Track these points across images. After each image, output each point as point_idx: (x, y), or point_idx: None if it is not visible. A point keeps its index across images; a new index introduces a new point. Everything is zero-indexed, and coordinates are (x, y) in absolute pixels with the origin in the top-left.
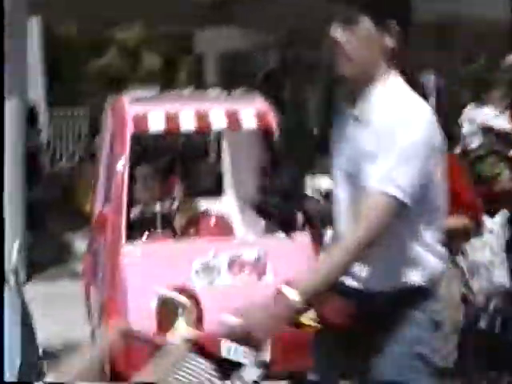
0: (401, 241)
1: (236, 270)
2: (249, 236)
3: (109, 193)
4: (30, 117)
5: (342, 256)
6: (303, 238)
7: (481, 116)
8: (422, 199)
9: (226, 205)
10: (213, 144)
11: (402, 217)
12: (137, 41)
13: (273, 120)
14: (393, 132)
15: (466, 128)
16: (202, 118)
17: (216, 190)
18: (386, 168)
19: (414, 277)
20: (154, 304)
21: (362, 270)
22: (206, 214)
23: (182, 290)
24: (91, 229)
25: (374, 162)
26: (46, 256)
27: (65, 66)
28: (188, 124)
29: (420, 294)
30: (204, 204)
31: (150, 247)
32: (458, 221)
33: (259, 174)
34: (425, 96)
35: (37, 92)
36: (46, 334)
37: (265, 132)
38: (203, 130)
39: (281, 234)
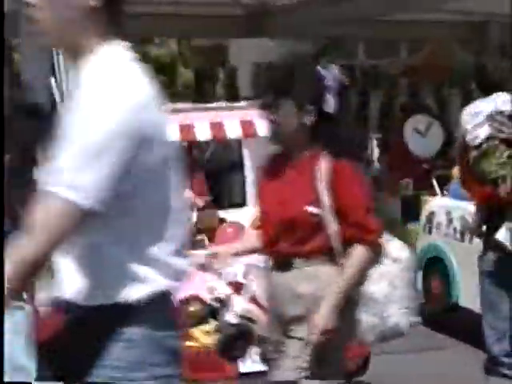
0: (105, 253)
1: (253, 278)
2: None
3: None
4: None
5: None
6: None
7: (490, 104)
8: (129, 205)
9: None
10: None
11: (92, 225)
12: (171, 56)
13: None
14: (82, 119)
15: (469, 123)
16: (216, 127)
17: (239, 201)
18: (65, 165)
19: (129, 293)
20: None
21: (73, 282)
22: (223, 223)
23: (195, 299)
24: None
25: (57, 157)
26: None
27: None
28: (203, 134)
29: (135, 312)
30: (224, 214)
31: None
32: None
33: None
34: (323, 89)
35: None
36: None
37: None
38: (218, 139)
39: None
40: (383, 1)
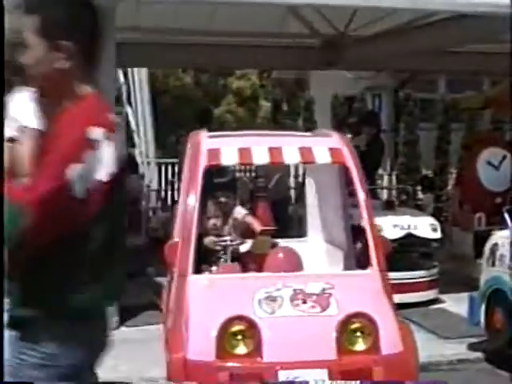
0: None
1: (299, 301)
2: (316, 271)
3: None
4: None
5: None
6: (372, 274)
7: None
8: None
9: (308, 244)
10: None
11: None
12: (252, 88)
13: (348, 156)
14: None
15: None
16: (274, 152)
17: (298, 233)
18: None
19: None
20: (214, 333)
21: None
22: (276, 249)
23: (241, 319)
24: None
25: None
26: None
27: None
28: (261, 158)
29: None
30: (277, 240)
31: (215, 278)
32: None
33: (340, 211)
34: None
35: (147, 141)
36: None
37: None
38: (276, 163)
39: (354, 271)
40: (463, 32)
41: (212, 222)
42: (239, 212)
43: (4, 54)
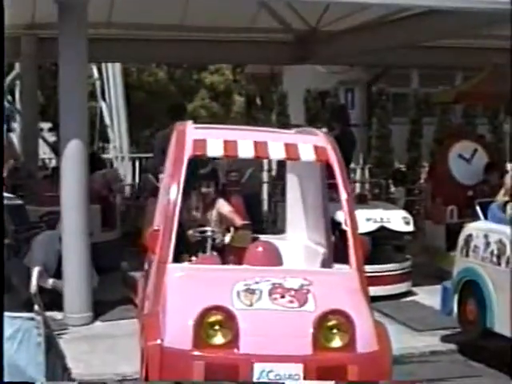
0: None
1: (277, 296)
2: (295, 266)
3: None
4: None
5: None
6: (351, 273)
7: None
8: None
9: (288, 242)
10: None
11: None
12: (225, 83)
13: (332, 155)
14: None
15: None
16: (260, 147)
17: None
18: None
19: None
20: (191, 322)
21: None
22: (256, 243)
23: (219, 309)
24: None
25: None
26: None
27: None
28: (246, 151)
29: None
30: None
31: (195, 268)
32: None
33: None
34: None
35: (121, 136)
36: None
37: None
38: (261, 158)
39: (333, 269)
40: (436, 27)
41: (193, 213)
42: (223, 204)
43: (4, 54)
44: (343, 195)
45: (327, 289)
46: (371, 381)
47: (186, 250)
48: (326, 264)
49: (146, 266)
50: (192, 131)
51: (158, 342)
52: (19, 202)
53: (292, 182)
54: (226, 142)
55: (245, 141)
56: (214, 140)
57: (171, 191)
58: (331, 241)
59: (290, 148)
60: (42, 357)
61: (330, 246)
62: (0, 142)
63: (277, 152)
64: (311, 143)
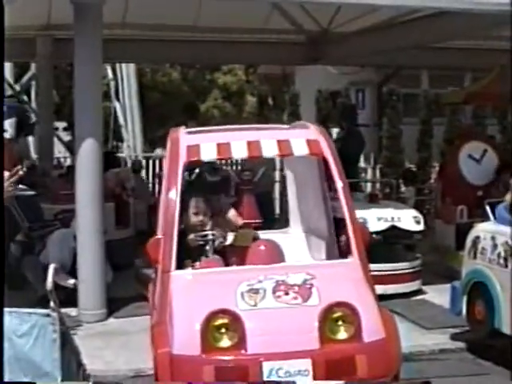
0: None
1: (281, 293)
2: (297, 262)
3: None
4: (107, 160)
5: None
6: (353, 263)
7: None
8: None
9: (290, 235)
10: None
11: None
12: (238, 84)
13: (325, 147)
14: None
15: None
16: (252, 146)
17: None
18: None
19: None
20: (198, 327)
21: None
22: (257, 242)
23: (224, 312)
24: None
25: None
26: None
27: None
28: (239, 152)
29: None
30: (262, 234)
31: (198, 273)
32: None
33: (322, 203)
34: None
35: (135, 136)
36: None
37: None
38: (255, 157)
39: (335, 261)
40: (446, 29)
41: (200, 218)
42: (232, 213)
43: (4, 54)
44: (339, 184)
45: (330, 281)
46: (381, 373)
47: (187, 255)
48: (329, 256)
49: (153, 275)
50: (185, 137)
51: (167, 350)
52: (32, 192)
53: (291, 177)
54: (219, 144)
55: (238, 142)
56: (208, 144)
57: (169, 200)
58: (333, 232)
59: (283, 144)
60: (57, 353)
61: (332, 237)
62: (0, 141)
63: (270, 150)
64: (303, 137)
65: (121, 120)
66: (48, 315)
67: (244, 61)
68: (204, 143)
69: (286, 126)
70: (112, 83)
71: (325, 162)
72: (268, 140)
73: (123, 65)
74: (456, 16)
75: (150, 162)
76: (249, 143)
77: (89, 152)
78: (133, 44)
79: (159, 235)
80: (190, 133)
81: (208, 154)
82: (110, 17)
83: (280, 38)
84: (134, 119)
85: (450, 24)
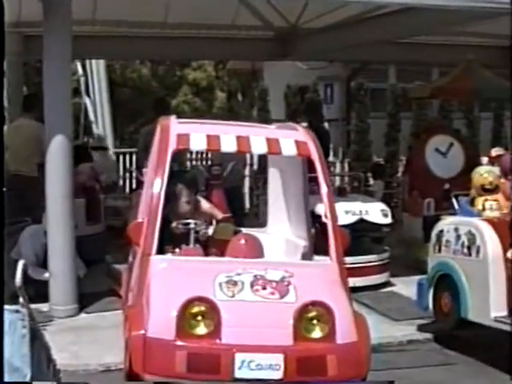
0: None
1: (259, 287)
2: (276, 258)
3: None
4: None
5: None
6: (331, 265)
7: None
8: None
9: (269, 236)
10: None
11: None
12: (208, 79)
13: (313, 149)
14: None
15: None
16: (242, 141)
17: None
18: None
19: None
20: (174, 313)
21: None
22: (238, 235)
23: (201, 300)
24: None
25: None
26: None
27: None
28: (229, 146)
29: None
30: (240, 228)
31: (178, 260)
32: None
33: (302, 203)
34: None
35: (105, 132)
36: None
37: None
38: (243, 152)
39: (314, 261)
40: (412, 24)
41: (189, 206)
42: (203, 203)
43: (4, 53)
44: (323, 188)
45: (308, 281)
46: (350, 375)
47: (169, 241)
48: (306, 256)
49: (130, 258)
50: (176, 126)
51: (142, 332)
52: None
53: (273, 176)
54: (208, 136)
55: (227, 135)
56: (197, 134)
57: (155, 184)
58: (312, 234)
59: (272, 143)
60: (26, 348)
61: (310, 238)
62: (0, 142)
63: (259, 146)
64: (292, 138)
65: (91, 116)
66: (17, 311)
67: (213, 57)
68: (194, 133)
69: (275, 126)
70: (82, 79)
71: (310, 164)
72: (257, 137)
73: (93, 61)
74: (423, 12)
75: (121, 157)
76: (238, 138)
77: (59, 148)
78: (102, 40)
79: (140, 219)
80: (181, 122)
81: (197, 143)
82: (80, 13)
83: (249, 34)
84: (104, 115)
85: (417, 19)
